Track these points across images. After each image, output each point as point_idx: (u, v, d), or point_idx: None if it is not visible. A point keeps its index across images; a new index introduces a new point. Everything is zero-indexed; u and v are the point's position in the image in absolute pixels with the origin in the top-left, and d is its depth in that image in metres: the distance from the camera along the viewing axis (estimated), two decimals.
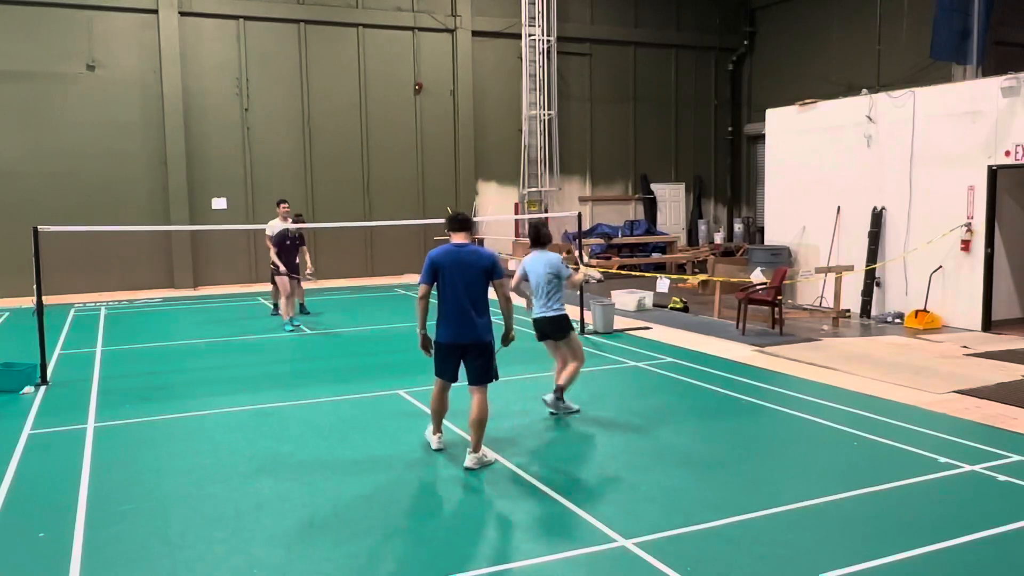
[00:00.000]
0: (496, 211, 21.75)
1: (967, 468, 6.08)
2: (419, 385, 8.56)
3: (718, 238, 24.05)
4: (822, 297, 14.03)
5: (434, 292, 6.29)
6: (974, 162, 11.85)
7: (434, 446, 6.72)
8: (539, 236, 7.64)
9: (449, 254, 6.23)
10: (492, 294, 6.36)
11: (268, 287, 15.29)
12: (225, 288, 18.63)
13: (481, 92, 21.56)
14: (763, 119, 16.25)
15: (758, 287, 12.47)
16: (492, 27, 21.52)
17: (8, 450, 6.88)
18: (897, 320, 12.60)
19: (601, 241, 20.77)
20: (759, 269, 13.55)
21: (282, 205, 13.67)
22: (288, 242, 12.94)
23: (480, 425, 6.23)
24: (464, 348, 6.27)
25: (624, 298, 14.12)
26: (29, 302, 12.53)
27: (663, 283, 13.42)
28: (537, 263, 7.56)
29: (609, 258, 19.82)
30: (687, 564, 4.58)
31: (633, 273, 18.52)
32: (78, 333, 12.90)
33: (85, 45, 17.87)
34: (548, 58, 21.96)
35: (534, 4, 21.55)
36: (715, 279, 14.38)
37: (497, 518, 5.42)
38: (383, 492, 5.82)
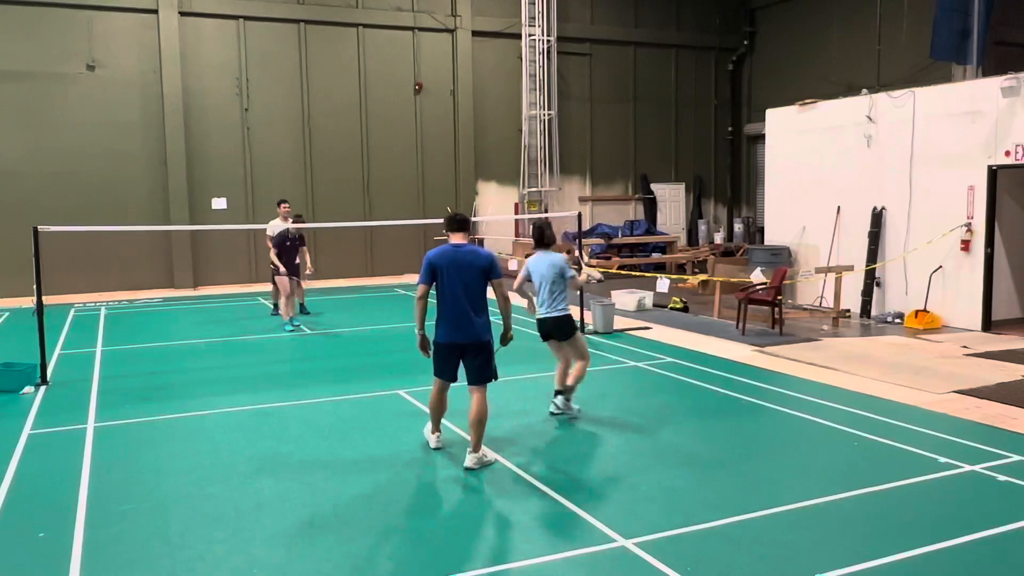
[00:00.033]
0: (496, 211, 21.75)
1: (967, 468, 6.08)
2: (419, 385, 8.56)
3: (718, 238, 24.05)
4: (822, 297, 14.03)
5: (433, 292, 6.30)
6: (974, 162, 11.85)
7: (432, 445, 6.73)
8: (543, 236, 7.63)
9: (447, 254, 6.24)
10: (491, 294, 6.37)
11: (268, 287, 15.29)
12: (225, 288, 18.63)
13: (481, 92, 21.57)
14: (763, 119, 16.25)
15: (758, 287, 12.47)
16: (492, 27, 21.52)
17: (8, 450, 6.89)
18: (897, 320, 12.60)
19: (601, 241, 20.77)
20: (759, 269, 13.55)
21: (283, 205, 13.69)
22: (288, 243, 12.94)
23: (480, 425, 6.24)
24: (463, 348, 6.28)
25: (624, 298, 14.13)
26: (29, 302, 12.53)
27: (663, 283, 13.41)
28: (541, 263, 7.55)
29: (609, 258, 19.82)
30: (687, 564, 4.59)
31: (633, 273, 18.52)
32: (78, 333, 12.90)
33: (85, 45, 17.87)
34: (548, 58, 21.97)
35: (534, 4, 21.56)
36: (715, 279, 14.38)
37: (497, 518, 5.43)
38: (383, 492, 5.82)
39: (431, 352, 6.41)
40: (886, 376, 9.05)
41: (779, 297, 11.90)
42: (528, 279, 7.65)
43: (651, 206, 23.75)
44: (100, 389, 9.14)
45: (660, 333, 12.09)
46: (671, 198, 24.38)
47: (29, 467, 6.51)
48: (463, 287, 6.18)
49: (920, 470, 6.07)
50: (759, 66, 24.28)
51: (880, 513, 5.31)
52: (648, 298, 14.25)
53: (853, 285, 13.17)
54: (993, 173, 11.68)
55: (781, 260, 14.24)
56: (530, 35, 21.61)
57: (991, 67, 15.14)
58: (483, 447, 6.35)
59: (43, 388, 9.15)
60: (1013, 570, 4.54)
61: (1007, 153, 11.43)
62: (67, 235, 14.40)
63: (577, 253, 12.71)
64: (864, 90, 14.25)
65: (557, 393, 7.75)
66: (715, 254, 19.40)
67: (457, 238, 6.35)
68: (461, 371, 6.41)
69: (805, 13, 22.31)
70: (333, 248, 19.97)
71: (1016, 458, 6.28)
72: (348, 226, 18.98)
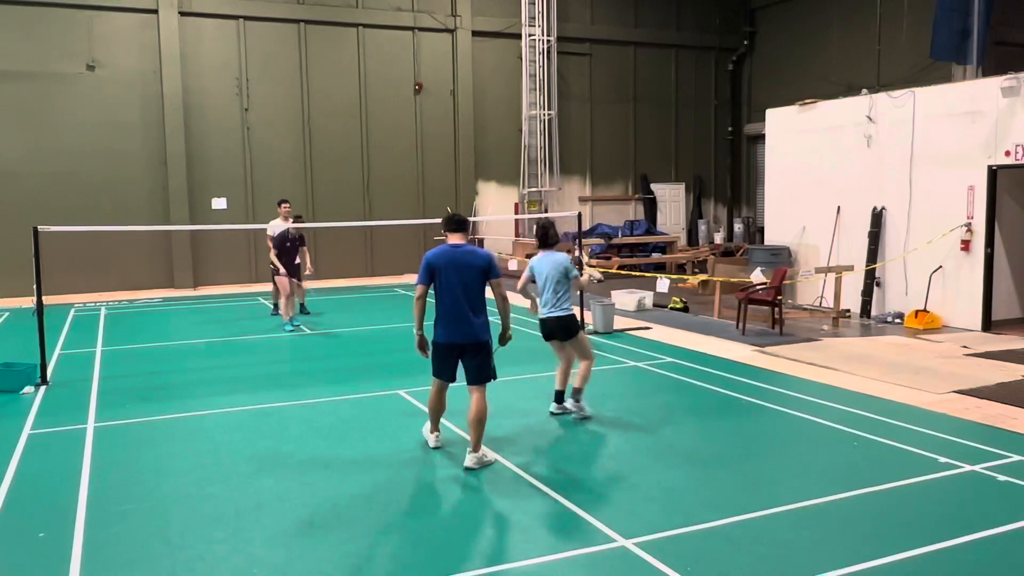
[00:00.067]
0: (496, 211, 21.75)
1: (967, 468, 6.08)
2: (419, 385, 8.56)
3: (718, 238, 24.05)
4: (822, 297, 14.03)
5: (432, 292, 6.31)
6: (974, 162, 11.85)
7: (431, 444, 6.74)
8: (547, 236, 7.63)
9: (445, 255, 6.25)
10: (489, 294, 6.37)
11: (268, 287, 15.29)
12: (225, 288, 18.63)
13: (481, 92, 21.57)
14: (763, 119, 16.25)
15: (758, 287, 12.47)
16: (492, 27, 21.53)
17: (8, 450, 6.89)
18: (897, 320, 12.60)
19: (601, 241, 20.76)
20: (759, 269, 13.55)
21: (283, 205, 13.69)
22: (288, 244, 12.95)
23: (479, 424, 6.24)
24: (462, 348, 6.29)
25: (624, 298, 14.13)
26: (29, 302, 12.53)
27: (663, 283, 13.41)
28: (545, 263, 7.55)
29: (609, 258, 19.82)
30: (687, 564, 4.59)
31: (633, 273, 18.52)
32: (78, 333, 12.90)
33: (85, 45, 17.87)
34: (548, 58, 21.97)
35: (534, 4, 21.56)
36: (715, 279, 14.38)
37: (497, 518, 5.43)
38: (383, 492, 5.82)
39: (429, 352, 6.42)
40: (886, 376, 9.05)
41: (779, 297, 11.90)
42: (532, 280, 7.64)
43: (651, 206, 23.75)
44: (100, 389, 9.14)
45: (660, 333, 12.09)
46: (671, 198, 24.39)
47: (29, 467, 6.51)
48: (461, 287, 6.19)
49: (920, 470, 6.07)
50: (759, 66, 24.28)
51: (880, 513, 5.31)
52: (648, 298, 14.25)
53: (853, 285, 13.17)
54: (993, 173, 11.68)
55: (781, 260, 14.24)
56: (530, 35, 21.61)
57: (991, 67, 15.14)
58: (483, 447, 6.35)
59: (43, 388, 9.15)
60: (1013, 570, 4.54)
61: (1007, 153, 11.43)
62: (67, 235, 14.39)
63: (578, 253, 12.71)
64: (864, 90, 14.25)
65: (558, 394, 7.75)
66: (715, 254, 19.40)
67: (455, 238, 6.36)
68: (460, 371, 6.41)
69: (805, 13, 22.31)
70: (333, 248, 19.98)
71: (1016, 458, 6.28)
72: (348, 226, 18.99)
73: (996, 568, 4.56)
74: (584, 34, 22.71)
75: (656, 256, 21.01)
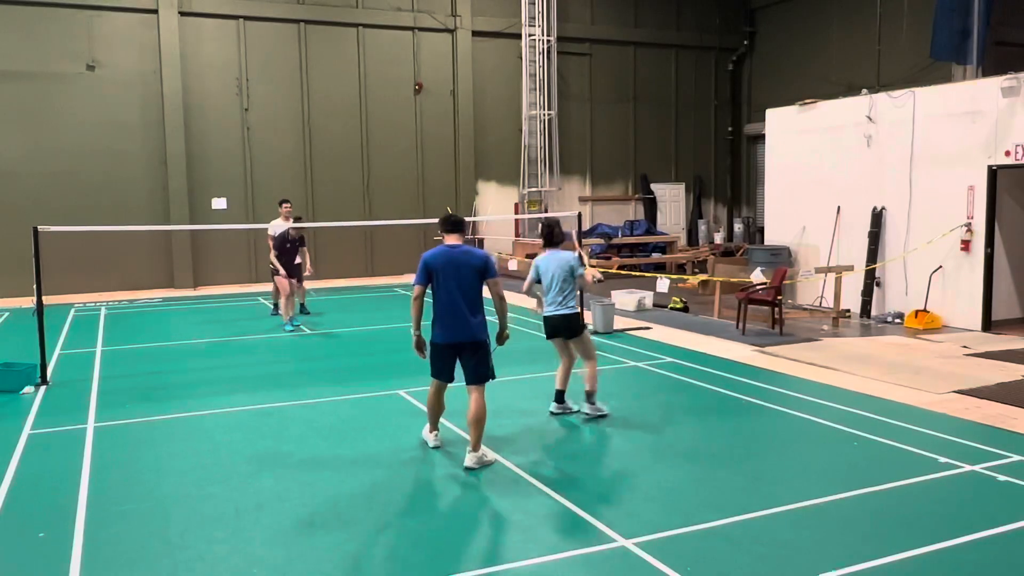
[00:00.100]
0: (496, 211, 21.75)
1: (967, 468, 6.08)
2: (419, 385, 8.54)
3: (718, 238, 24.05)
4: (822, 297, 14.03)
5: (429, 293, 6.33)
6: (974, 162, 11.85)
7: (431, 444, 6.75)
8: (552, 235, 7.63)
9: (442, 255, 6.28)
10: (487, 293, 6.38)
11: (268, 287, 15.30)
12: (225, 288, 18.63)
13: (481, 92, 21.57)
14: (763, 119, 16.25)
15: (758, 287, 12.47)
16: (492, 27, 21.52)
17: (8, 450, 6.89)
18: (897, 320, 12.60)
19: (601, 241, 20.76)
20: (759, 269, 13.55)
21: (284, 205, 13.72)
22: (288, 244, 12.95)
23: (478, 423, 6.25)
24: (460, 348, 6.31)
25: (624, 298, 14.13)
26: (29, 302, 12.53)
27: (663, 283, 13.41)
28: (551, 262, 7.55)
29: (609, 258, 19.82)
30: (687, 564, 4.59)
31: (633, 273, 18.51)
32: (78, 333, 12.90)
33: (85, 45, 17.87)
34: (548, 58, 21.96)
35: (534, 4, 21.55)
36: (715, 279, 14.38)
37: (497, 518, 5.43)
38: (383, 492, 5.82)
39: (427, 353, 6.43)
40: (886, 376, 9.05)
41: (779, 297, 11.90)
42: (537, 280, 7.64)
43: (651, 206, 23.75)
44: (100, 389, 9.14)
45: (660, 333, 12.09)
46: (671, 198, 24.38)
47: (29, 467, 6.51)
48: (459, 287, 6.22)
49: (920, 470, 6.08)
50: (759, 66, 24.28)
51: (880, 513, 5.31)
52: (648, 298, 14.25)
53: (853, 285, 13.17)
54: (993, 173, 11.68)
55: (781, 260, 14.24)
56: (530, 35, 21.61)
57: (991, 67, 15.12)
58: (483, 447, 6.35)
59: (43, 388, 9.15)
60: (1013, 570, 4.54)
61: (1007, 153, 11.43)
62: (67, 235, 14.41)
63: (579, 252, 12.72)
64: (864, 90, 14.25)
65: (558, 393, 7.75)
66: (715, 254, 19.40)
67: (452, 239, 6.39)
68: (459, 371, 6.42)
69: (805, 13, 22.31)
70: (333, 248, 19.98)
71: (1016, 458, 6.28)
72: (348, 226, 18.98)
73: (996, 568, 4.56)
74: (584, 34, 22.71)
75: (656, 256, 21.00)
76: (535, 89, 21.92)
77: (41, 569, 4.73)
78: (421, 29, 20.75)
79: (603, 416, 7.60)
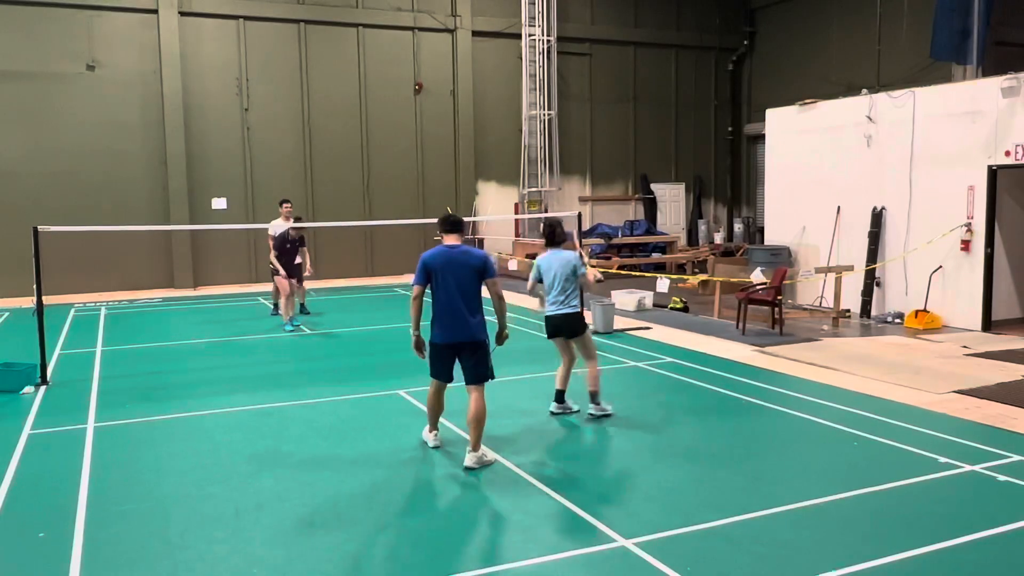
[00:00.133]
0: (496, 211, 21.75)
1: (967, 468, 6.08)
2: (419, 385, 8.54)
3: (718, 238, 24.05)
4: (822, 297, 14.03)
5: (428, 293, 6.34)
6: (974, 162, 11.85)
7: (431, 444, 6.76)
8: (555, 235, 7.63)
9: (441, 255, 6.29)
10: (486, 293, 6.39)
11: (268, 287, 15.30)
12: (225, 288, 18.63)
13: (481, 92, 21.56)
14: (763, 119, 16.25)
15: (758, 287, 12.47)
16: (492, 27, 21.52)
17: (8, 450, 6.89)
18: (897, 320, 12.60)
19: (601, 241, 20.77)
20: (759, 269, 13.55)
21: (285, 205, 13.74)
22: (288, 245, 12.96)
23: (478, 423, 6.25)
24: (458, 348, 6.32)
25: (624, 298, 14.12)
26: (29, 302, 12.53)
27: (663, 283, 13.41)
28: (553, 261, 7.55)
29: (609, 258, 19.82)
30: (687, 564, 4.59)
31: (633, 273, 18.51)
32: (78, 333, 12.90)
33: (85, 45, 17.87)
34: (548, 58, 21.96)
35: (534, 4, 21.55)
36: (715, 279, 14.38)
37: (497, 518, 5.43)
38: (383, 492, 5.82)
39: (426, 353, 6.44)
40: (886, 376, 9.05)
41: (779, 297, 11.90)
42: (539, 280, 7.64)
43: (651, 206, 23.75)
44: (100, 389, 9.14)
45: (660, 333, 12.09)
46: (671, 198, 24.38)
47: (29, 467, 6.51)
48: (457, 287, 6.23)
49: (920, 470, 6.07)
50: (759, 66, 24.28)
51: (880, 513, 5.31)
52: (648, 298, 14.25)
53: (853, 285, 13.17)
54: (993, 173, 11.68)
55: (781, 260, 14.24)
56: (530, 35, 21.61)
57: (991, 67, 15.13)
58: (483, 447, 6.35)
59: (43, 388, 9.15)
60: (1013, 570, 4.54)
61: (1007, 153, 11.43)
62: (67, 235, 14.41)
63: (579, 251, 12.72)
64: (864, 90, 14.25)
65: (558, 393, 7.75)
66: (715, 254, 19.40)
67: (451, 239, 6.41)
68: (458, 371, 6.42)
69: (805, 13, 22.31)
70: (333, 248, 19.98)
71: (1016, 458, 6.28)
72: (348, 226, 18.98)
73: (996, 568, 4.56)
74: (584, 34, 22.71)
75: (656, 256, 21.01)
76: (535, 89, 21.92)
77: (41, 569, 4.73)
78: (421, 29, 20.75)
79: (608, 416, 7.61)
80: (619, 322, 12.66)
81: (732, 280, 13.88)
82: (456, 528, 5.25)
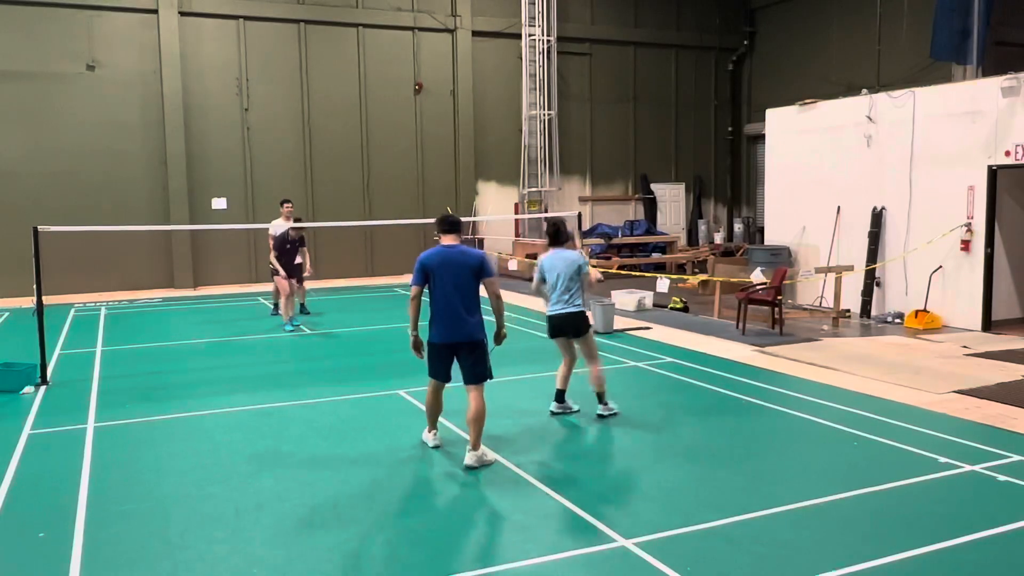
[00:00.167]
0: (496, 211, 21.75)
1: (967, 468, 6.08)
2: (419, 385, 8.52)
3: (718, 238, 24.05)
4: (822, 297, 14.03)
5: (426, 293, 6.36)
6: (974, 162, 11.85)
7: (431, 444, 6.76)
8: (558, 234, 7.62)
9: (438, 255, 6.32)
10: (483, 292, 6.40)
11: (268, 287, 15.30)
12: (225, 288, 18.63)
13: (481, 92, 21.57)
14: (763, 119, 16.25)
15: (758, 287, 12.47)
16: (492, 27, 21.53)
17: (8, 450, 6.89)
18: (897, 320, 12.60)
19: (601, 241, 20.77)
20: (759, 269, 13.55)
21: (286, 205, 13.75)
22: (288, 246, 12.96)
23: (478, 422, 6.26)
24: (456, 347, 6.33)
25: (624, 298, 14.12)
26: (29, 302, 12.53)
27: (663, 283, 13.41)
28: (556, 261, 7.55)
29: (609, 258, 19.82)
30: (687, 564, 4.58)
31: (633, 273, 18.51)
32: (78, 333, 12.90)
33: (85, 45, 17.87)
34: (548, 58, 21.96)
35: (534, 4, 21.55)
36: (715, 279, 14.38)
37: (497, 518, 5.43)
38: (383, 492, 5.82)
39: (424, 353, 6.45)
40: (886, 376, 9.04)
41: (779, 297, 11.90)
42: (543, 280, 7.63)
43: (651, 206, 23.75)
44: (100, 389, 9.14)
45: (660, 333, 12.09)
46: (671, 198, 24.38)
47: (29, 467, 6.51)
48: (455, 287, 6.24)
49: (920, 470, 6.07)
50: (759, 66, 24.28)
51: (880, 513, 5.31)
52: (648, 298, 14.25)
53: (853, 285, 13.17)
54: (993, 173, 11.68)
55: (781, 260, 14.24)
56: (530, 35, 21.61)
57: (991, 67, 15.13)
58: (483, 447, 6.35)
59: (43, 388, 9.15)
60: (1013, 570, 4.54)
61: (1007, 153, 11.43)
62: (67, 235, 14.41)
63: (579, 250, 12.72)
64: (864, 90, 14.25)
65: (559, 393, 7.75)
66: (715, 254, 19.40)
67: (448, 239, 6.44)
68: (456, 372, 6.43)
69: (805, 13, 22.31)
70: (333, 248, 19.98)
71: (1016, 458, 6.28)
72: (348, 226, 18.98)
73: (996, 568, 4.56)
74: (584, 34, 22.71)
75: (656, 256, 21.01)
76: (535, 89, 21.92)
77: (41, 569, 4.73)
78: (421, 29, 20.75)
79: (615, 415, 7.62)
80: (619, 322, 12.66)
81: (732, 280, 13.88)
82: (456, 528, 5.25)
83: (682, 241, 23.57)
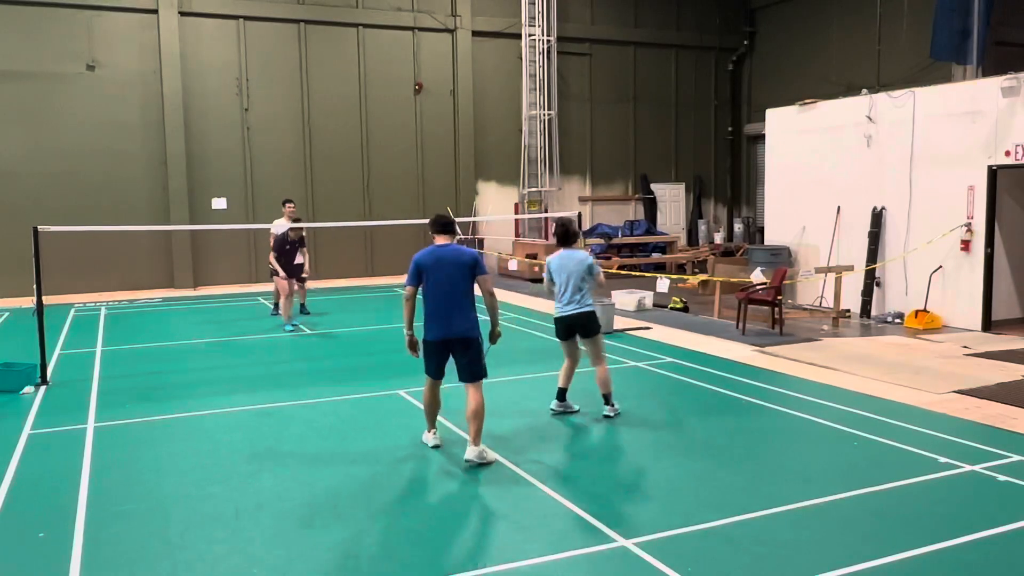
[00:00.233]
0: (496, 211, 21.75)
1: (967, 468, 6.08)
2: (419, 385, 8.45)
3: (718, 238, 24.04)
4: (822, 297, 14.03)
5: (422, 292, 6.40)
6: (974, 162, 11.85)
7: (431, 443, 6.77)
8: (567, 234, 7.62)
9: (432, 254, 6.39)
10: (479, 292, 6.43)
11: (268, 287, 15.30)
12: (225, 288, 18.63)
13: (481, 92, 21.56)
14: (763, 119, 16.25)
15: (758, 287, 12.47)
16: (492, 27, 21.52)
17: (8, 450, 6.89)
18: (897, 320, 12.60)
19: (601, 241, 20.76)
20: (759, 269, 13.55)
21: (288, 205, 13.77)
22: (288, 246, 12.96)
23: (478, 418, 6.30)
24: (450, 344, 6.37)
25: (624, 298, 14.12)
26: (29, 302, 12.53)
27: (663, 283, 13.41)
28: (566, 261, 7.54)
29: (609, 258, 19.82)
30: (687, 564, 4.58)
31: (633, 273, 18.52)
32: (78, 333, 12.90)
33: (85, 45, 17.87)
34: (548, 58, 21.96)
35: (534, 4, 21.55)
36: (715, 279, 14.38)
37: (497, 517, 5.43)
38: (383, 492, 5.82)
39: (419, 352, 6.49)
40: (886, 376, 9.04)
41: (779, 297, 11.90)
42: (552, 280, 7.63)
43: (651, 206, 23.75)
44: (100, 389, 9.14)
45: (660, 333, 12.09)
46: (671, 198, 24.38)
47: (29, 467, 6.51)
48: (449, 285, 6.30)
49: (920, 470, 6.07)
50: (759, 66, 24.27)
51: (880, 513, 5.31)
52: (648, 298, 14.24)
53: (853, 285, 13.17)
54: (993, 173, 11.68)
55: (781, 260, 14.24)
56: (530, 35, 21.61)
57: (991, 67, 15.12)
58: (484, 446, 6.36)
59: (43, 388, 9.15)
60: (1013, 570, 4.54)
61: (1007, 153, 11.43)
62: (67, 235, 14.41)
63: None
64: (864, 90, 14.25)
65: (560, 391, 7.76)
66: (715, 254, 19.39)
67: (441, 239, 6.49)
68: (451, 369, 6.46)
69: (805, 13, 22.31)
70: (333, 248, 19.97)
71: (1016, 458, 6.28)
72: (348, 226, 18.98)
73: (996, 568, 4.56)
74: (584, 34, 22.70)
75: (656, 256, 21.01)
76: (535, 89, 21.91)
77: (41, 569, 4.73)
78: (421, 29, 20.75)
79: (616, 415, 7.64)
80: (619, 322, 12.66)
81: (732, 280, 13.88)
82: (456, 527, 5.25)
83: (682, 241, 23.57)
